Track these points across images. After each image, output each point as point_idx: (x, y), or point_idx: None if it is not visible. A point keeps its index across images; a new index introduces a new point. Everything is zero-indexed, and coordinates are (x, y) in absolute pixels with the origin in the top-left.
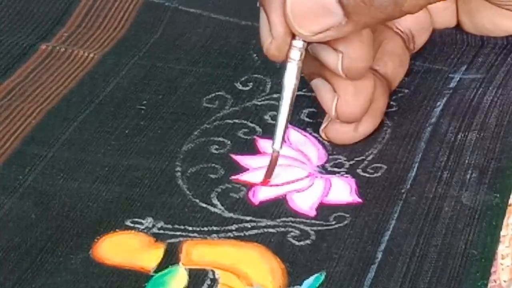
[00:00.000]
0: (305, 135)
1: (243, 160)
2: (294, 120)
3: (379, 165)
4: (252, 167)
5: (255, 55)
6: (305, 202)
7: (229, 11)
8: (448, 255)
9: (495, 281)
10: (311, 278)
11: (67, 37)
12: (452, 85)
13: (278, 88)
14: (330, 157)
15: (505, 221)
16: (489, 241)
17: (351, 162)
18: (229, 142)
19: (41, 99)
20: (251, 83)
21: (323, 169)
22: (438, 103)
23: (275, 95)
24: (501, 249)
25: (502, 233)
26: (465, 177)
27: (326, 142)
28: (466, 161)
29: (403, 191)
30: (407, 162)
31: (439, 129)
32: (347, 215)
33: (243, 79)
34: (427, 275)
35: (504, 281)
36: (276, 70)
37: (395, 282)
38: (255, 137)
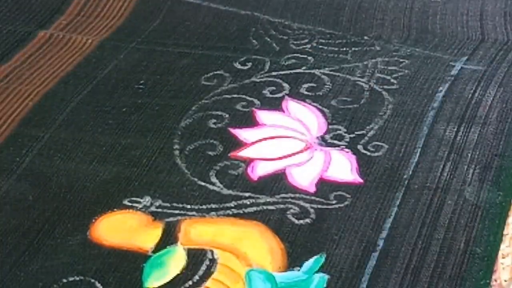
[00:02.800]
0: (304, 105)
1: (242, 134)
2: (293, 93)
3: (380, 143)
4: (251, 141)
5: (254, 40)
6: (304, 177)
7: (229, 0)
8: (451, 250)
9: (496, 280)
10: (311, 260)
11: (65, 25)
12: (453, 72)
13: (277, 67)
14: (330, 127)
15: (506, 220)
16: (492, 240)
17: (352, 136)
18: (227, 116)
19: (38, 82)
20: (250, 63)
21: (323, 141)
22: (440, 88)
23: (274, 73)
24: (502, 248)
25: (504, 232)
26: (468, 172)
27: (326, 110)
28: (469, 156)
29: (405, 177)
30: (409, 145)
31: (442, 116)
32: (348, 195)
33: (242, 59)
34: (429, 269)
35: (505, 281)
36: (276, 52)
37: (397, 273)
38: (253, 109)
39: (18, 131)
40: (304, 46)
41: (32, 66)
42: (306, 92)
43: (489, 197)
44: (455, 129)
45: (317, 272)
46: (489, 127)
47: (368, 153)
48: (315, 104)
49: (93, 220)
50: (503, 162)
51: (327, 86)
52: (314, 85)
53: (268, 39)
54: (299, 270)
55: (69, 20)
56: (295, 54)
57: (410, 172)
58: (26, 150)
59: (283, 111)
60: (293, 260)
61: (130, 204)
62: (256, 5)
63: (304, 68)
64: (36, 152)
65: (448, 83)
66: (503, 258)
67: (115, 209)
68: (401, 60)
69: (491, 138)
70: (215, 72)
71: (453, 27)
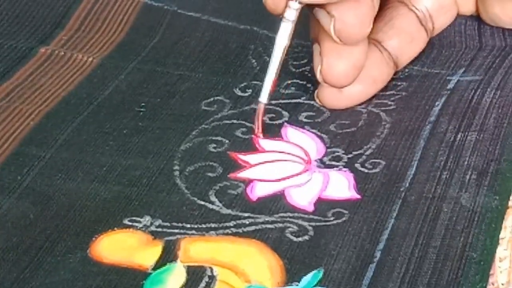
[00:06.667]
0: (303, 132)
1: (242, 157)
2: (292, 120)
3: (377, 160)
4: (250, 164)
5: (254, 60)
6: (303, 197)
7: (228, 15)
8: (447, 257)
9: (493, 284)
10: (309, 275)
11: (66, 41)
12: (450, 86)
13: (276, 95)
14: (328, 150)
15: (503, 223)
16: (488, 244)
17: (349, 156)
18: (227, 141)
19: (39, 101)
20: (250, 90)
21: (321, 163)
22: (437, 102)
23: (273, 101)
24: (499, 251)
25: (501, 235)
26: (464, 178)
27: (324, 136)
28: (466, 162)
29: (402, 189)
30: (406, 159)
31: (438, 128)
32: (346, 212)
33: (242, 85)
34: (426, 276)
35: (502, 284)
36: None
37: (393, 282)
38: (253, 136)
39: (19, 151)
40: (304, 68)
41: (33, 85)
42: (305, 120)
43: (485, 201)
44: (452, 138)
45: (315, 286)
46: (485, 133)
47: (366, 171)
48: (313, 130)
49: (94, 239)
50: (499, 167)
51: (326, 115)
52: (313, 114)
53: (267, 59)
54: (297, 285)
55: (69, 35)
56: (294, 81)
57: (407, 184)
58: (27, 169)
59: (282, 137)
60: (291, 276)
61: (130, 223)
62: (255, 19)
63: (303, 98)
64: (37, 172)
65: (445, 96)
66: (500, 261)
67: (115, 228)
68: (398, 83)
69: (488, 144)
70: (215, 98)
71: (451, 37)
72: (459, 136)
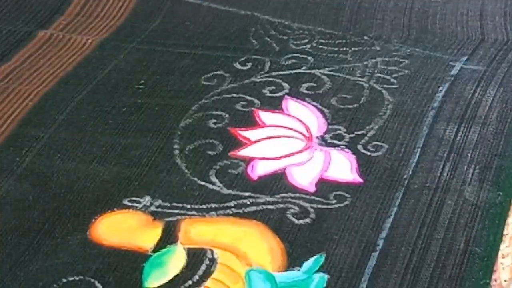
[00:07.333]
0: (304, 104)
1: (242, 133)
2: (293, 92)
3: (380, 143)
4: (251, 140)
5: (254, 41)
6: (304, 177)
7: (228, 1)
8: (451, 250)
9: (496, 280)
10: (311, 260)
11: (65, 25)
12: (453, 72)
13: (277, 67)
14: (330, 127)
15: (506, 220)
16: (492, 240)
17: (351, 136)
18: (227, 116)
19: (38, 82)
20: (250, 63)
21: (323, 141)
22: (440, 88)
23: (274, 73)
24: (502, 248)
25: (504, 232)
26: (468, 172)
27: (325, 110)
28: (469, 156)
29: (405, 177)
30: (409, 146)
31: (442, 116)
32: (348, 195)
33: (242, 59)
34: (429, 269)
35: (505, 281)
36: (275, 52)
37: (397, 273)
38: (253, 109)
39: (18, 131)
40: (304, 46)
41: (32, 66)
42: (306, 91)
43: (489, 197)
44: (455, 129)
45: (317, 272)
46: (489, 127)
47: (368, 153)
48: (315, 103)
49: (93, 220)
50: (503, 162)
51: (327, 86)
52: (314, 84)
53: (268, 39)
54: (299, 270)
55: (69, 20)
56: (295, 54)
57: (410, 172)
58: (26, 150)
59: (283, 110)
60: (293, 260)
61: (130, 204)
62: (256, 5)
63: (304, 68)
64: (36, 152)
65: (448, 83)
66: (503, 258)
67: (115, 209)
68: (401, 60)
69: (491, 138)
70: (215, 72)
71: (453, 27)
72: (462, 128)
